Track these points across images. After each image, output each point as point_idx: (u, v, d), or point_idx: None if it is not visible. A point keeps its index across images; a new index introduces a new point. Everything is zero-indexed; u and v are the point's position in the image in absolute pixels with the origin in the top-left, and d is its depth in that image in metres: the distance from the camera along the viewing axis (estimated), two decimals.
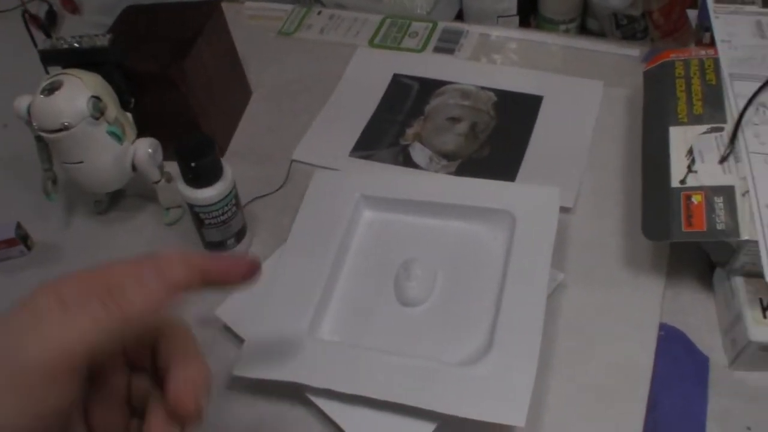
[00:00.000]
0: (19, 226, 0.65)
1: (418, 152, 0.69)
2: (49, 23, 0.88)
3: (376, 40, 0.82)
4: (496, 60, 0.78)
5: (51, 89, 0.56)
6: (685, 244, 0.55)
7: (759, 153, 0.52)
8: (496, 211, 0.59)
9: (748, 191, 0.51)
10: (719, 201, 0.51)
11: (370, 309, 0.57)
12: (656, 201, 0.53)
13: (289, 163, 0.70)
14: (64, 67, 0.60)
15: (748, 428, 0.50)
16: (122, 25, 0.70)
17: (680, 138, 0.56)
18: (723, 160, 0.53)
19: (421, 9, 0.84)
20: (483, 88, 0.74)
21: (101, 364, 0.34)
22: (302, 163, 0.70)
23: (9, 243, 0.65)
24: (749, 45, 0.60)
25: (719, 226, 0.50)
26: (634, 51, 0.75)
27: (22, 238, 0.65)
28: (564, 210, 0.61)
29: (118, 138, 0.60)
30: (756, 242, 0.48)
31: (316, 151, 0.71)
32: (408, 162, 0.69)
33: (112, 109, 0.60)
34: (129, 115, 0.63)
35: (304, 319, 0.54)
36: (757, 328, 0.49)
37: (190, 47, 0.65)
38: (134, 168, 0.62)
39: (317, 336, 0.54)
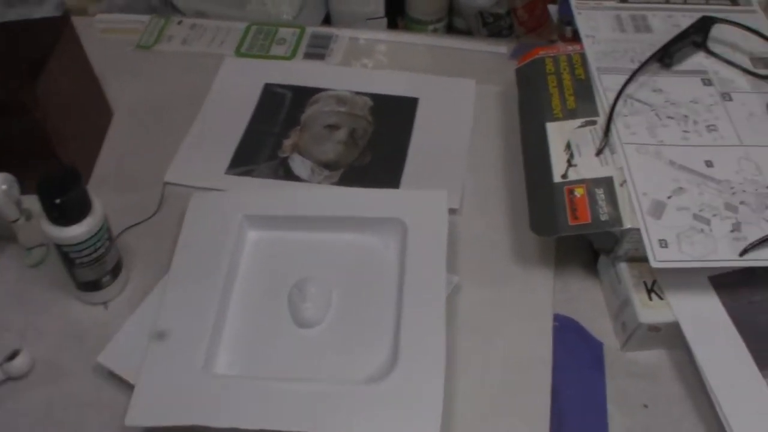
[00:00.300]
0: None
1: (299, 164, 0.67)
2: None
3: (243, 49, 0.78)
4: (367, 64, 0.77)
5: None
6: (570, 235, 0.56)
7: (631, 143, 0.55)
8: (385, 219, 0.58)
9: (625, 181, 0.53)
10: (600, 192, 0.53)
11: (267, 335, 0.54)
12: (541, 197, 0.55)
13: (161, 186, 0.66)
14: None
15: (645, 405, 0.52)
16: None
17: (557, 133, 0.57)
18: (599, 152, 0.55)
19: (286, 14, 0.81)
20: (358, 93, 0.73)
21: None
22: (176, 185, 0.66)
23: None
24: (611, 39, 0.63)
25: (603, 217, 0.51)
26: (501, 48, 0.77)
27: None
28: (451, 211, 0.61)
29: None
30: (638, 230, 0.50)
31: (190, 171, 0.67)
32: (289, 175, 0.66)
33: None
34: None
35: (198, 355, 0.51)
36: (645, 311, 0.51)
37: (41, 68, 0.59)
38: None
39: (214, 371, 0.51)
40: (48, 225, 0.52)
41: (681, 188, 0.52)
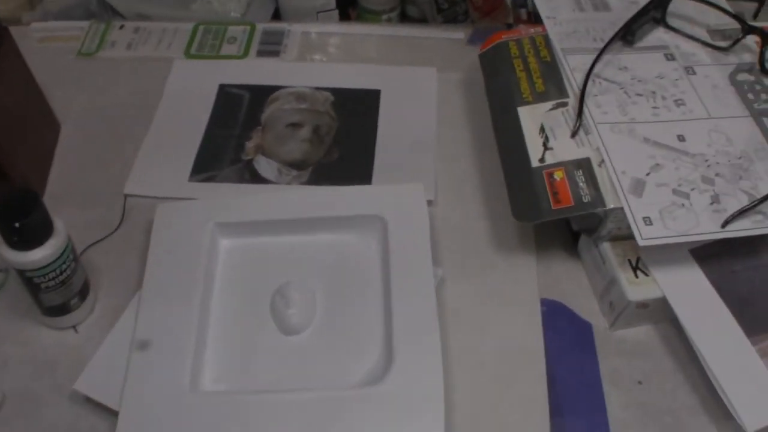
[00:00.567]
0: None
1: (264, 166, 0.65)
2: None
3: (193, 50, 0.75)
4: (323, 58, 0.75)
5: None
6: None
7: (605, 123, 0.55)
8: (364, 217, 0.56)
9: (603, 161, 0.53)
10: (579, 174, 0.52)
11: (252, 346, 0.52)
12: (520, 183, 0.54)
13: (122, 199, 0.62)
14: None
15: (639, 382, 0.52)
16: None
17: (529, 117, 0.57)
18: (574, 134, 0.54)
19: (234, 12, 0.79)
20: (318, 88, 0.71)
21: None
22: (137, 196, 0.63)
23: None
24: (572, 19, 0.63)
25: (585, 199, 0.51)
26: (458, 34, 0.76)
27: None
28: (427, 203, 0.60)
29: None
30: (621, 209, 0.50)
31: (150, 181, 0.64)
32: (256, 178, 0.64)
33: None
34: None
35: (182, 373, 0.48)
36: (633, 288, 0.52)
37: None
38: None
39: (201, 389, 0.49)
40: (7, 250, 0.48)
41: (658, 164, 0.52)
